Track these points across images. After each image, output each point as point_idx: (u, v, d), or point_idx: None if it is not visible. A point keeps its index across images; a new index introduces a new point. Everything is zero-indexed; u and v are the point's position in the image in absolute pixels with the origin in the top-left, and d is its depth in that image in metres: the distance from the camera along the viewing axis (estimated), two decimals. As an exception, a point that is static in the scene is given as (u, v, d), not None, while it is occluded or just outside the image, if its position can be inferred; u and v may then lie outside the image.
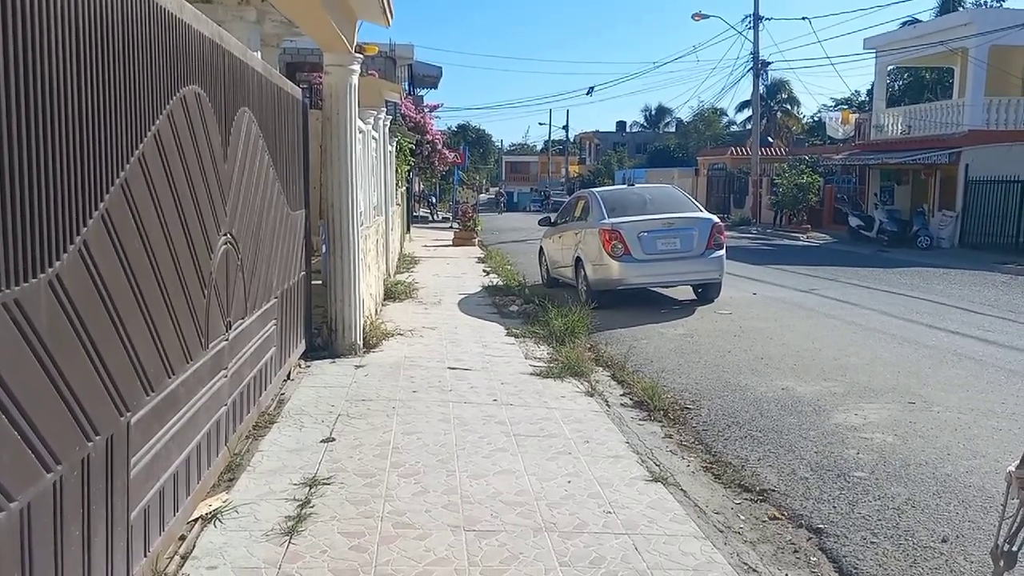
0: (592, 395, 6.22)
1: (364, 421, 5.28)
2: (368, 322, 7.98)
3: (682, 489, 4.40)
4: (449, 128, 55.13)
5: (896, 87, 35.22)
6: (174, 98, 3.25)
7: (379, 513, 3.82)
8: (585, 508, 4.00)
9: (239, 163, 4.37)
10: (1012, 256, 17.65)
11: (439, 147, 25.70)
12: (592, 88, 54.63)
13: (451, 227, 27.56)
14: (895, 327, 9.37)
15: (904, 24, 29.15)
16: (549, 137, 75.47)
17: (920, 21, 30.79)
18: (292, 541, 3.49)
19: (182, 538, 3.46)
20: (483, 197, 64.50)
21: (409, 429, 5.13)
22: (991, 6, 32.80)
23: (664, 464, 4.77)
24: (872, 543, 3.84)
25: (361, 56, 7.39)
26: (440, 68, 29.66)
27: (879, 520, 4.08)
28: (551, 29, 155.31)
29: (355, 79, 7.18)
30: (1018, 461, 2.00)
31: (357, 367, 6.79)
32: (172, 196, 3.24)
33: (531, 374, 6.80)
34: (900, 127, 25.16)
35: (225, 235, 4.08)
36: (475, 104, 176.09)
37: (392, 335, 8.13)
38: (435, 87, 31.62)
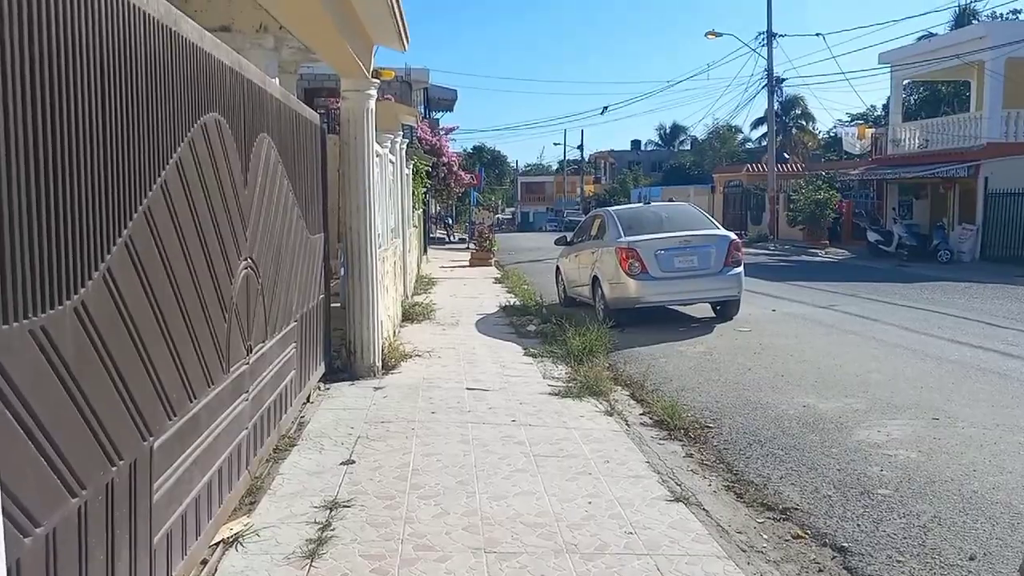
0: (611, 414, 6.19)
1: (384, 443, 5.29)
2: (387, 344, 8.01)
3: (704, 508, 4.36)
4: (464, 150, 55.41)
5: (912, 101, 35.06)
6: (195, 126, 3.31)
7: (400, 535, 3.82)
8: (606, 529, 3.97)
9: (259, 188, 4.42)
10: (1035, 269, 17.44)
11: (455, 169, 25.86)
12: (606, 107, 54.90)
13: (468, 248, 27.65)
14: (917, 342, 9.27)
15: (920, 38, 29.05)
16: (564, 157, 75.78)
17: (935, 35, 30.70)
18: (313, 564, 3.49)
19: (204, 562, 3.47)
20: (500, 217, 64.79)
21: (429, 451, 5.13)
22: (1006, 19, 32.64)
23: (685, 483, 4.74)
24: (898, 562, 3.78)
25: (378, 81, 7.48)
26: (455, 91, 29.93)
27: (905, 538, 4.02)
28: (564, 50, 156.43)
29: (372, 103, 7.26)
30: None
31: (376, 389, 6.81)
32: (193, 222, 3.29)
33: (549, 394, 6.79)
34: (917, 141, 25.03)
35: (246, 259, 4.12)
36: (490, 126, 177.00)
37: (410, 356, 8.16)
38: (450, 110, 31.89)
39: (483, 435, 5.50)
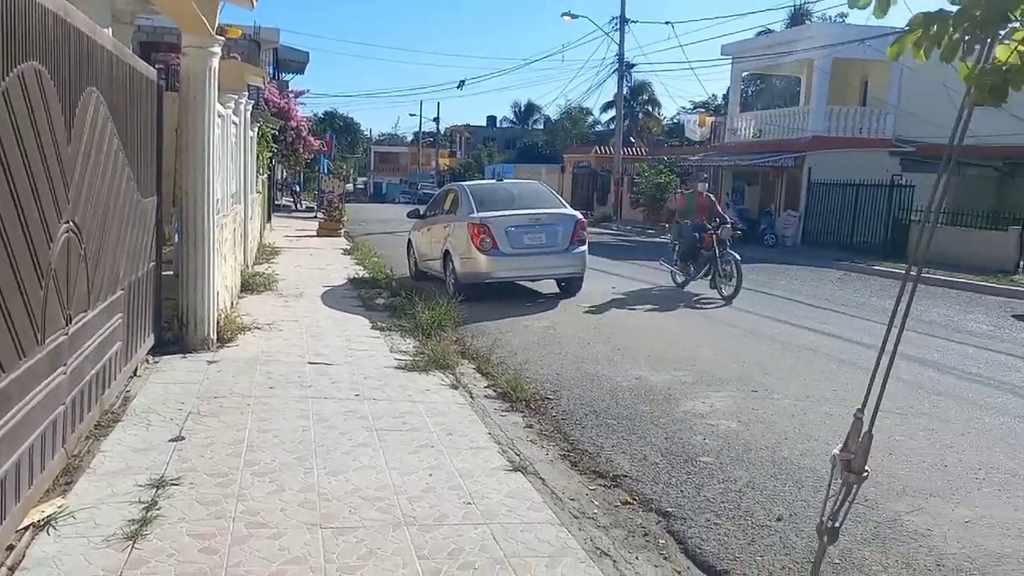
0: (457, 388, 6.26)
1: (217, 419, 5.09)
2: (223, 315, 7.69)
3: (540, 477, 4.51)
4: (315, 115, 53.71)
5: (750, 92, 37.26)
6: (10, 75, 3.02)
7: (231, 513, 3.70)
8: (445, 500, 4.03)
9: (84, 146, 4.10)
10: (848, 253, 19.11)
11: (304, 134, 25.01)
12: (463, 81, 54.52)
13: (316, 217, 26.95)
14: (742, 320, 9.95)
15: (758, 34, 30.89)
16: (420, 128, 75.11)
17: (773, 31, 32.74)
18: (136, 546, 3.33)
19: (10, 548, 3.22)
20: (350, 187, 63.47)
21: (265, 427, 4.99)
22: (835, 21, 35.27)
23: (524, 453, 4.87)
24: (716, 524, 4.08)
25: (222, 38, 7.09)
26: (307, 53, 28.81)
27: (722, 502, 4.34)
28: (423, 20, 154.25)
29: (215, 62, 6.88)
30: (842, 444, 2.19)
31: (210, 362, 6.52)
32: (6, 180, 3.01)
33: (396, 368, 6.77)
34: (752, 131, 26.67)
35: (67, 223, 3.82)
36: (344, 91, 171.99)
37: (249, 329, 7.87)
38: (302, 72, 30.72)
39: (324, 410, 5.42)
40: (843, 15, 38.30)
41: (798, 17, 37.35)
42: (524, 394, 6.11)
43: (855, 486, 2.15)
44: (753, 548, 3.82)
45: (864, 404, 2.22)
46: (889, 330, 2.08)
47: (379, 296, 10.61)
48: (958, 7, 1.78)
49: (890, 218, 20.02)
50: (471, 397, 6.07)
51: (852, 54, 22.60)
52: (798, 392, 6.53)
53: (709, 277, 11.73)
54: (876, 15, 2.01)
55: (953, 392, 6.58)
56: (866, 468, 2.14)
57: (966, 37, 1.75)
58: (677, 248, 12.58)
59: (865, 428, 2.13)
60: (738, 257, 11.24)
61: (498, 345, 7.89)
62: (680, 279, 12.52)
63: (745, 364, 7.47)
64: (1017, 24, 1.80)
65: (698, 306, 10.93)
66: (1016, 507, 4.22)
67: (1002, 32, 1.81)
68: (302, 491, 4.02)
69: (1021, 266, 16.22)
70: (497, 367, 7.01)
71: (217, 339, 7.11)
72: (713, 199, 12.83)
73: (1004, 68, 1.82)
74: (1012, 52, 1.83)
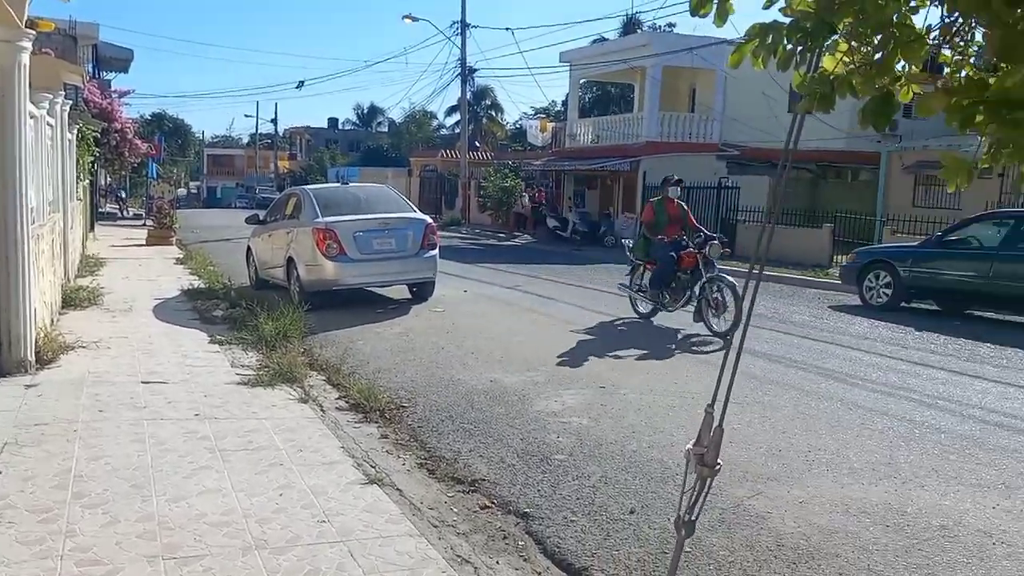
0: (306, 401, 6.04)
1: (38, 448, 4.63)
2: (42, 334, 7.03)
3: (398, 489, 4.43)
4: (142, 116, 50.40)
5: (587, 99, 38.58)
6: None
7: (58, 552, 3.37)
8: (298, 520, 3.86)
9: None
10: (681, 253, 20.14)
11: (129, 136, 23.47)
12: (303, 82, 53.00)
13: (144, 225, 25.35)
14: (588, 318, 10.25)
15: (593, 42, 31.97)
16: (256, 130, 72.24)
17: (607, 40, 34.02)
18: (-58, 599, 2.96)
19: None
20: (181, 192, 60.28)
21: (95, 454, 4.59)
22: (664, 30, 37.14)
23: (380, 465, 4.77)
24: (572, 521, 4.15)
25: (33, 32, 6.47)
26: (131, 51, 27.09)
27: (578, 499, 4.42)
28: (259, 17, 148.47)
29: (25, 57, 6.28)
30: (695, 439, 2.27)
31: (28, 386, 5.94)
32: None
33: (239, 383, 6.44)
34: (590, 136, 27.60)
35: None
36: (173, 91, 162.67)
37: (73, 348, 7.24)
38: (125, 71, 28.83)
39: (162, 433, 5.06)
40: (672, 25, 40.47)
41: (630, 26, 39.05)
42: (378, 404, 5.98)
43: (709, 479, 2.23)
44: (609, 543, 3.91)
45: (714, 399, 2.31)
46: (734, 328, 2.18)
47: (217, 308, 10.07)
48: (791, 19, 1.88)
49: (719, 218, 21.30)
50: (322, 410, 5.88)
51: (681, 62, 23.92)
52: (642, 386, 6.78)
53: (687, 305, 9.55)
54: (716, 24, 2.10)
55: (782, 380, 7.06)
56: (719, 461, 2.23)
57: (799, 48, 1.86)
58: (639, 270, 10.32)
59: (716, 423, 2.21)
60: (733, 282, 8.80)
61: (349, 354, 7.69)
62: (644, 307, 10.29)
63: (592, 361, 7.69)
64: (839, 37, 1.92)
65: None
66: (843, 485, 4.58)
67: (827, 43, 1.93)
68: (140, 521, 3.72)
69: (835, 260, 17.71)
70: (348, 377, 6.83)
71: (36, 360, 6.49)
72: (686, 208, 10.40)
73: (831, 78, 1.95)
74: (837, 63, 1.96)
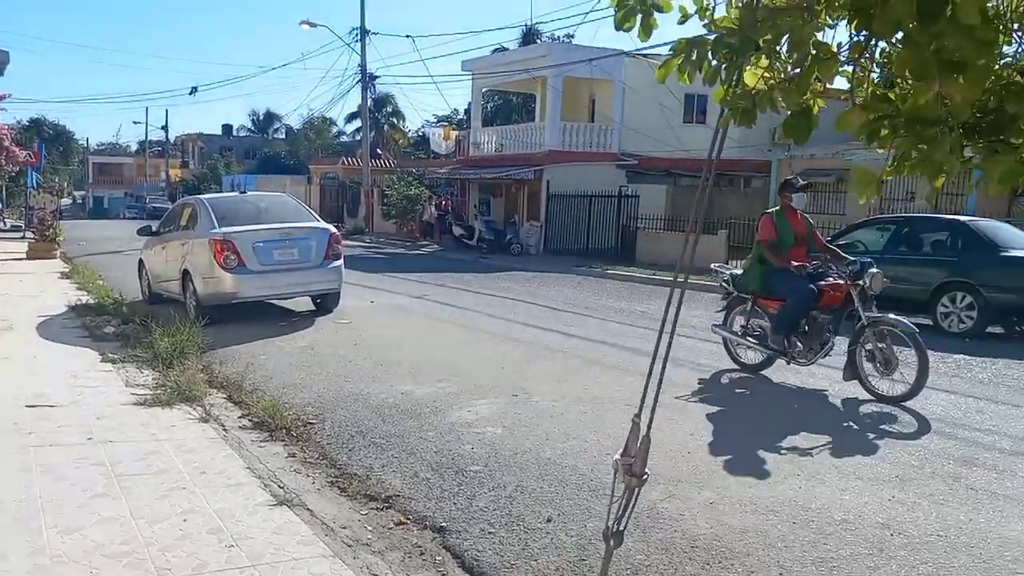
0: (208, 420, 5.78)
1: (-91, 483, 4.26)
2: (-88, 357, 6.50)
3: (308, 509, 4.29)
4: (19, 122, 47.55)
5: (490, 108, 38.77)
6: None
7: (-65, 597, 3.10)
8: (205, 546, 3.68)
9: None
10: (585, 260, 20.49)
11: (6, 144, 22.08)
12: (195, 88, 51.16)
13: (24, 237, 23.91)
14: (497, 327, 10.26)
15: (494, 51, 32.19)
16: (146, 137, 69.29)
17: (507, 49, 34.30)
18: None
19: None
20: (66, 202, 57.28)
21: (-25, 486, 4.26)
22: (563, 41, 37.69)
23: (289, 485, 4.61)
24: (490, 533, 4.11)
25: None
26: (7, 53, 25.36)
27: (495, 510, 4.38)
28: (147, 21, 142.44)
29: None
30: (622, 449, 2.27)
31: None
32: None
33: (134, 403, 6.11)
34: (494, 145, 27.77)
35: None
36: (54, 96, 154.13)
37: (-53, 371, 6.72)
38: (0, 74, 27.06)
39: (51, 459, 4.73)
40: (570, 35, 41.17)
41: (529, 36, 39.50)
42: (284, 421, 5.79)
43: (637, 489, 2.24)
44: (527, 553, 3.89)
45: (640, 409, 2.32)
46: (660, 336, 2.20)
47: (108, 324, 9.55)
48: (715, 35, 1.92)
49: (619, 226, 21.77)
50: (224, 430, 5.65)
51: (580, 73, 24.36)
52: (554, 393, 6.82)
53: (823, 355, 7.31)
54: (641, 38, 2.12)
55: (686, 383, 7.24)
56: (646, 471, 2.24)
57: (724, 64, 1.90)
58: (746, 305, 7.78)
59: (643, 432, 2.22)
60: (912, 327, 6.82)
61: (251, 370, 7.42)
62: (753, 356, 7.78)
63: (504, 369, 7.69)
64: (760, 53, 1.97)
65: (455, 316, 10.01)
66: (750, 485, 4.71)
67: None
68: (30, 556, 3.47)
69: (730, 264, 18.39)
70: (251, 394, 6.59)
71: (-98, 387, 5.98)
72: (812, 222, 7.87)
73: (752, 93, 2.00)
74: (758, 78, 2.01)
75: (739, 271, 8.01)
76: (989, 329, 10.09)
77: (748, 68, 2.07)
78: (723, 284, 8.13)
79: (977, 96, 1.90)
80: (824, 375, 7.56)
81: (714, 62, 1.98)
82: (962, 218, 11.75)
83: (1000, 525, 4.15)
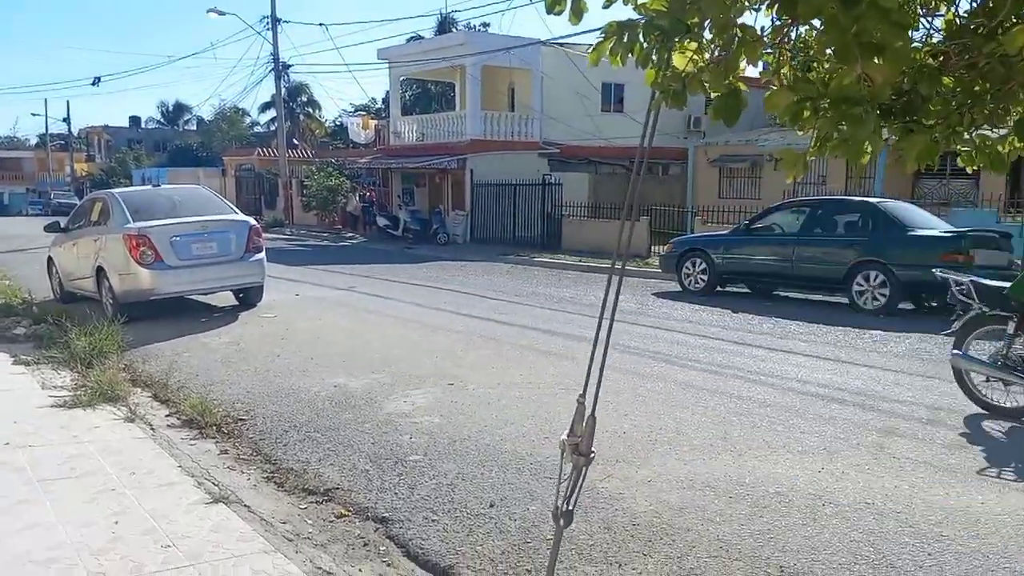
0: (133, 420, 5.59)
1: None
2: None
3: (245, 505, 4.21)
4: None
5: (408, 97, 38.35)
6: None
7: None
8: (140, 548, 3.57)
9: None
10: (512, 248, 20.56)
11: None
12: (99, 78, 48.76)
13: (-82, 237, 22.51)
14: (428, 317, 10.22)
15: (409, 40, 31.78)
16: (47, 130, 65.94)
17: (423, 38, 33.96)
18: None
19: None
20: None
21: None
22: (479, 30, 37.57)
23: (223, 482, 4.51)
24: (433, 521, 4.11)
25: None
26: None
27: (436, 498, 4.38)
28: (44, 6, 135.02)
29: None
30: (568, 429, 2.31)
31: None
32: None
33: (53, 406, 5.86)
34: (415, 134, 27.48)
35: None
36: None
37: None
38: None
39: (-35, 466, 4.51)
40: (486, 24, 41.02)
41: (445, 25, 39.22)
42: (213, 418, 5.65)
43: (584, 468, 2.28)
44: (472, 539, 3.91)
45: (584, 390, 2.36)
46: (600, 320, 2.24)
47: (18, 325, 9.12)
48: (646, 18, 1.95)
49: (544, 214, 21.92)
50: (152, 429, 5.48)
51: (499, 62, 24.33)
52: (490, 380, 6.85)
53: None
54: (572, 21, 2.14)
55: (619, 366, 7.33)
56: (592, 449, 2.28)
57: (656, 46, 1.93)
58: (1008, 325, 5.77)
59: (588, 412, 2.26)
60: None
61: (175, 368, 7.19)
62: (1013, 398, 5.82)
63: (438, 359, 7.67)
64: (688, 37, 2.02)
65: (385, 307, 10.23)
66: (685, 461, 4.84)
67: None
68: (-51, 569, 3.30)
69: (652, 250, 18.71)
70: (177, 392, 6.40)
71: None
72: None
73: (683, 75, 2.05)
74: (687, 61, 2.06)
75: (989, 280, 6.04)
76: (901, 306, 10.59)
77: (677, 51, 2.12)
78: (959, 295, 6.09)
79: (896, 77, 1.99)
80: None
81: (645, 45, 2.02)
82: (872, 200, 12.27)
83: (923, 491, 4.39)
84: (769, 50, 2.37)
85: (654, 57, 1.96)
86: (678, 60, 2.13)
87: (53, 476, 4.41)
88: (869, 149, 2.27)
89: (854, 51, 1.83)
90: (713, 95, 2.16)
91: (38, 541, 3.59)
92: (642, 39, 1.99)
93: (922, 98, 2.20)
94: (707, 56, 2.09)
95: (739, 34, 2.11)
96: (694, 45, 2.08)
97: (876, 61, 1.82)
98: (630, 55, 2.02)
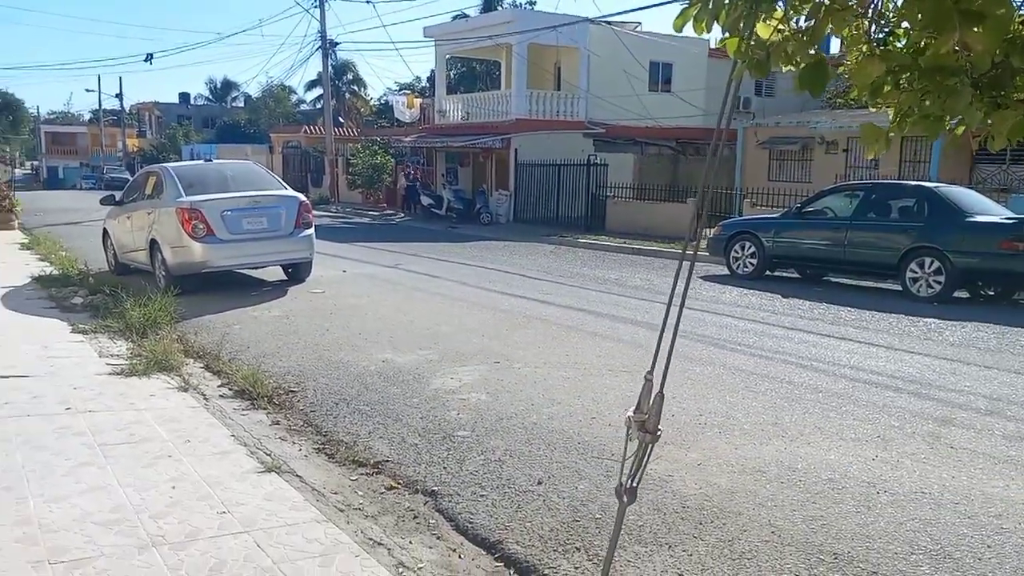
0: (187, 390, 5.71)
1: None
2: None
3: (297, 475, 4.26)
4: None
5: (453, 75, 38.31)
6: None
7: (-77, 568, 3.03)
8: (196, 513, 3.64)
9: None
10: (555, 229, 20.47)
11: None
12: (151, 55, 49.68)
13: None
14: (473, 295, 10.23)
15: (455, 18, 31.69)
16: (100, 106, 67.35)
17: (469, 16, 33.81)
18: None
19: None
20: (19, 172, 55.80)
21: (-47, 457, 4.16)
22: (526, 7, 37.33)
23: (275, 452, 4.57)
24: (481, 496, 4.12)
25: None
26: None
27: (484, 474, 4.40)
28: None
29: None
30: (635, 406, 2.28)
31: None
32: None
33: (110, 374, 6.00)
34: (460, 113, 27.45)
35: None
36: (2, 64, 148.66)
37: (-88, 343, 6.53)
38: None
39: (30, 429, 4.64)
40: (532, 2, 40.73)
41: (491, 3, 39.00)
42: (264, 390, 5.73)
43: (651, 445, 2.25)
44: (521, 515, 3.91)
45: (652, 367, 2.32)
46: (670, 304, 2.21)
47: (76, 295, 9.34)
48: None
49: (588, 194, 21.76)
50: (205, 398, 5.58)
51: (546, 40, 24.12)
52: (536, 360, 6.83)
53: None
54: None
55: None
56: (659, 427, 2.25)
57: (745, 12, 1.88)
58: None
59: (656, 389, 2.23)
60: None
61: (227, 340, 7.32)
62: None
63: (484, 337, 7.68)
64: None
65: (430, 285, 10.12)
66: (736, 446, 4.78)
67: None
68: (18, 525, 3.40)
69: (700, 232, 18.52)
70: (229, 364, 6.50)
71: None
72: None
73: (767, 45, 1.98)
74: (772, 31, 2.00)
75: None
76: (956, 294, 10.31)
77: (761, 20, 2.06)
78: None
79: (996, 46, 1.90)
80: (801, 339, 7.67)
81: (732, 12, 1.96)
82: (928, 184, 11.94)
83: (982, 482, 4.27)
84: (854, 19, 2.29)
85: (741, 24, 1.90)
86: (762, 30, 2.06)
87: (113, 441, 4.52)
88: (953, 126, 2.18)
89: (953, 19, 1.75)
90: (795, 67, 2.09)
91: (100, 503, 3.69)
92: (726, 5, 1.93)
93: (1013, 71, 2.10)
94: (792, 25, 2.02)
95: (827, 2, 2.04)
96: (779, 13, 2.02)
97: (976, 30, 1.73)
98: (715, 22, 1.96)
